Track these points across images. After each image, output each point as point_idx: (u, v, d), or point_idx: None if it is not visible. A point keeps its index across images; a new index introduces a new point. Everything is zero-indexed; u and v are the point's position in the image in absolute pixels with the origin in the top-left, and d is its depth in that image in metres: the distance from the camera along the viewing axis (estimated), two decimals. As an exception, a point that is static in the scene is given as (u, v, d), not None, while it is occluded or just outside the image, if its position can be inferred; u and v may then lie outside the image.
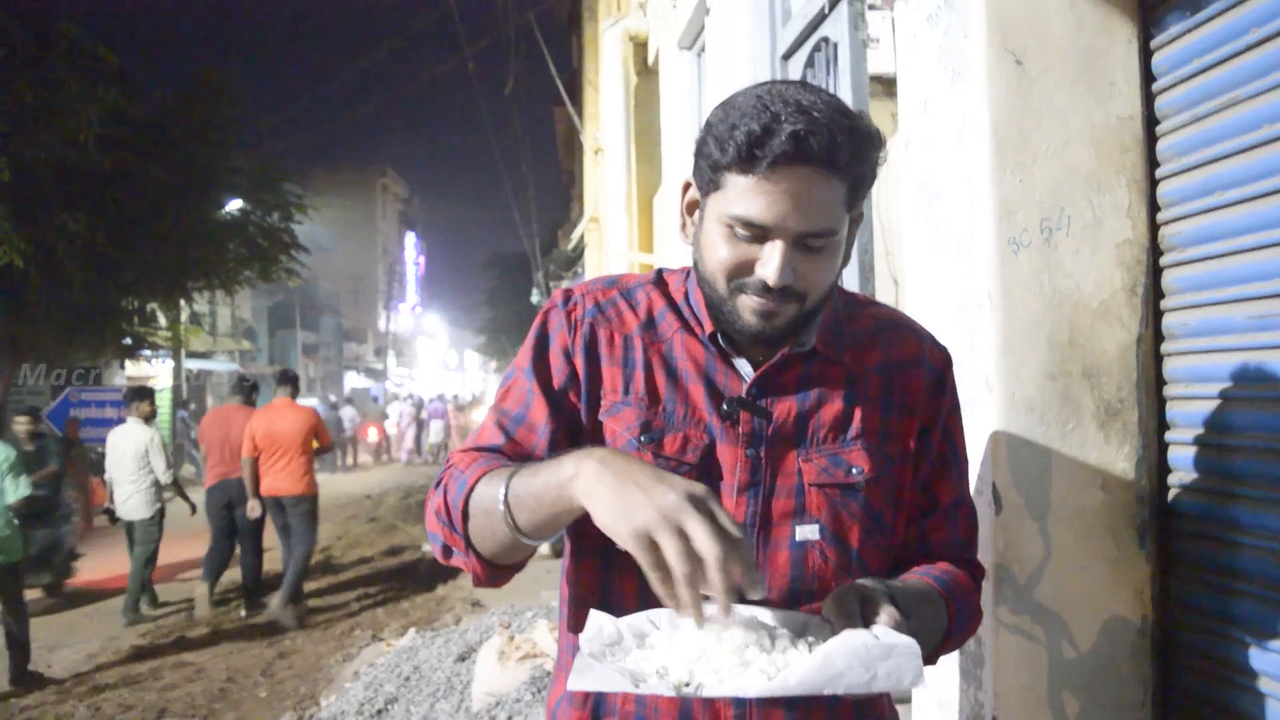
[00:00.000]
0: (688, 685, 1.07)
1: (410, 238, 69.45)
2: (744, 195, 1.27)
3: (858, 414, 1.42)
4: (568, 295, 1.51)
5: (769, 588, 1.37)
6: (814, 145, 1.23)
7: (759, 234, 1.28)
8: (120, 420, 9.72)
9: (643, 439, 1.39)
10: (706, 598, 1.08)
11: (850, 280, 3.60)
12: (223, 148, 18.32)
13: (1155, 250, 2.08)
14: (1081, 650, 2.05)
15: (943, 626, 1.37)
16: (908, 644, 1.07)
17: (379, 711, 5.20)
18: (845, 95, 3.61)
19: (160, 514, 8.76)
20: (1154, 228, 2.08)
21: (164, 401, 25.12)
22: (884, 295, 4.42)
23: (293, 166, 21.60)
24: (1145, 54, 2.08)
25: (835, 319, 1.47)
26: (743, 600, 1.15)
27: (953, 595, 1.40)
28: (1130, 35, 2.08)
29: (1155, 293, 2.08)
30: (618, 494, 1.09)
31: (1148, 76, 2.08)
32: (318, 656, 7.27)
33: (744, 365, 1.42)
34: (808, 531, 1.38)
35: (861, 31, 3.59)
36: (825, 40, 3.86)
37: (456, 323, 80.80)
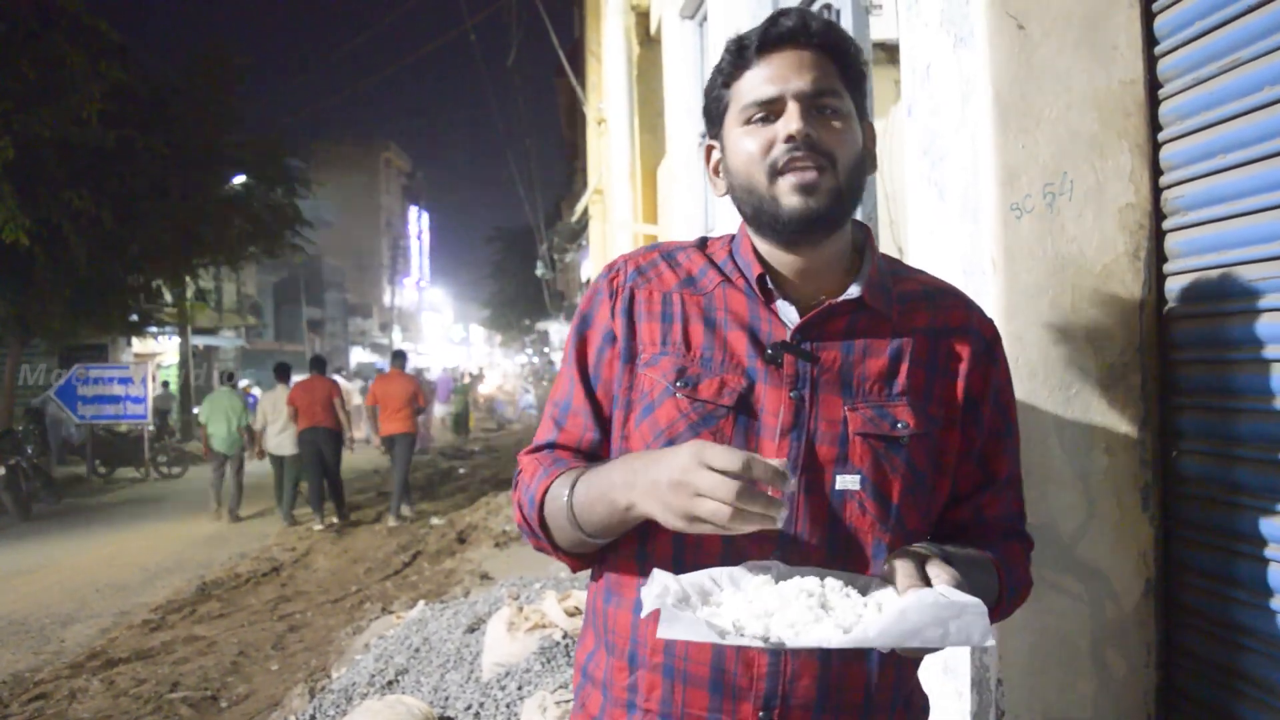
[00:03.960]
0: (769, 641, 1.12)
1: (414, 212, 69.33)
2: (747, 86, 1.40)
3: (903, 371, 1.43)
4: (611, 265, 1.56)
5: (807, 533, 1.38)
6: (787, 22, 1.38)
7: (774, 109, 1.38)
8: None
9: (678, 384, 1.42)
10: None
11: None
12: (226, 123, 18.28)
13: (1158, 214, 2.08)
14: (1086, 612, 2.07)
15: (994, 594, 1.39)
16: (976, 603, 1.10)
17: (389, 683, 5.24)
18: (848, 62, 3.60)
19: (300, 456, 12.34)
20: (1156, 191, 2.08)
21: (171, 376, 25.22)
22: (888, 263, 4.41)
23: (296, 141, 21.62)
24: (1147, 17, 2.07)
25: (881, 278, 1.48)
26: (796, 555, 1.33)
27: (1005, 565, 1.43)
28: (1132, -2, 2.08)
29: (1158, 256, 2.08)
30: (655, 499, 1.22)
31: (1150, 40, 2.07)
32: (328, 629, 7.33)
33: (788, 310, 1.44)
34: (849, 481, 1.38)
35: (864, -2, 3.58)
36: (828, 7, 3.85)
37: (461, 296, 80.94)
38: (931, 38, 2.30)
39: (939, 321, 1.48)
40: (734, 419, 1.40)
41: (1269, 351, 1.77)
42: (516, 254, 40.64)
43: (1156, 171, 2.08)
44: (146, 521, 13.30)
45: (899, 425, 1.40)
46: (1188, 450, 2.04)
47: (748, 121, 1.40)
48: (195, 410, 19.37)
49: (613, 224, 11.57)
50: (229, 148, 18.37)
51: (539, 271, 24.66)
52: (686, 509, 1.16)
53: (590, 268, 17.53)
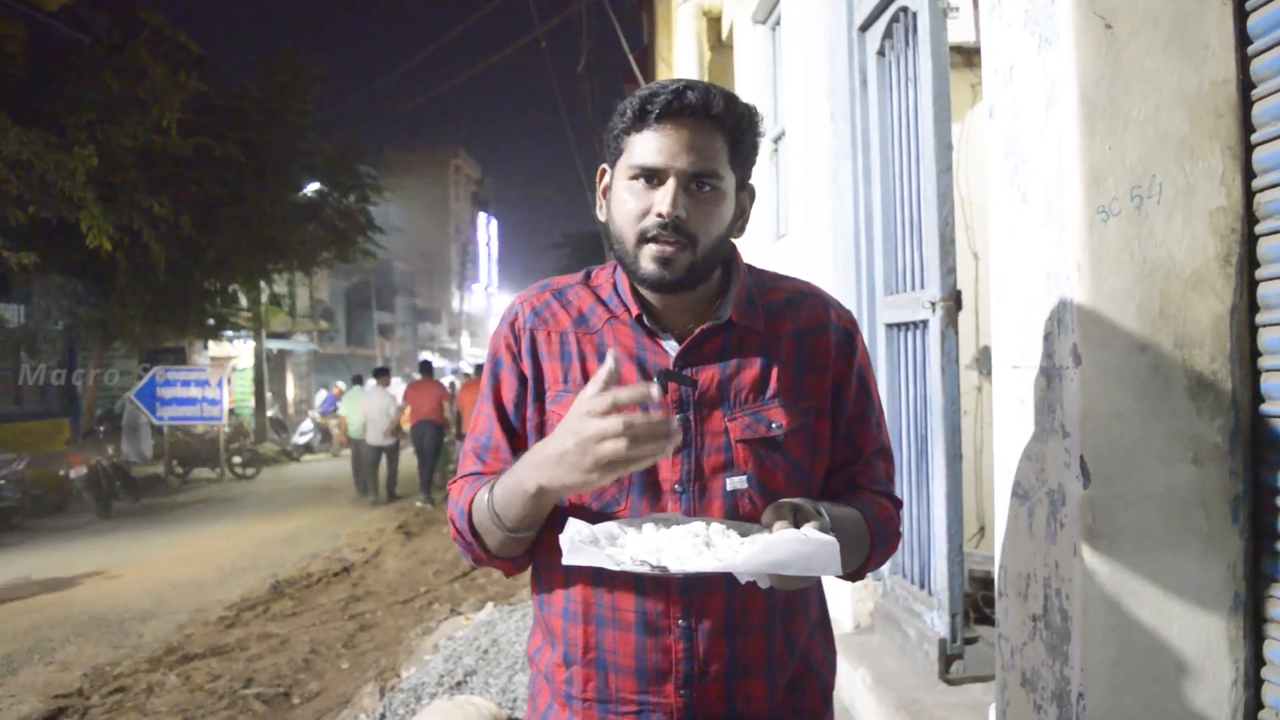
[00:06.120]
0: (655, 565, 1.31)
1: (482, 218, 69.93)
2: (640, 146, 1.53)
3: (774, 375, 1.61)
4: (509, 309, 1.74)
5: None
6: (691, 97, 1.50)
7: (655, 177, 1.52)
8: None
9: None
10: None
11: (930, 254, 3.56)
12: (299, 131, 18.59)
13: (1250, 218, 2.02)
14: (1172, 627, 2.02)
15: (866, 545, 1.60)
16: (831, 541, 1.30)
17: (458, 683, 5.29)
18: (924, 66, 3.56)
19: (396, 445, 15.47)
20: (1248, 195, 2.03)
21: (245, 380, 25.69)
22: (964, 268, 4.37)
23: (367, 149, 21.91)
24: (1240, 16, 2.02)
25: (749, 293, 1.66)
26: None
27: (875, 520, 1.62)
28: (1224, -3, 2.03)
29: (1250, 262, 2.03)
30: (563, 467, 1.35)
31: (1243, 39, 2.02)
32: (398, 630, 7.41)
33: (670, 342, 1.62)
34: (737, 482, 1.57)
35: (941, 1, 3.54)
36: (904, 10, 3.81)
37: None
38: (1015, 38, 2.27)
39: (802, 323, 1.66)
40: None
41: (1369, 359, 1.71)
42: (583, 260, 40.77)
43: (1249, 174, 2.02)
44: (221, 521, 13.59)
45: (774, 426, 1.59)
46: (1279, 462, 1.98)
47: (634, 178, 1.54)
48: (270, 413, 23.08)
49: (681, 230, 11.55)
50: (303, 155, 18.70)
51: (606, 278, 24.70)
52: (593, 459, 1.30)
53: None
